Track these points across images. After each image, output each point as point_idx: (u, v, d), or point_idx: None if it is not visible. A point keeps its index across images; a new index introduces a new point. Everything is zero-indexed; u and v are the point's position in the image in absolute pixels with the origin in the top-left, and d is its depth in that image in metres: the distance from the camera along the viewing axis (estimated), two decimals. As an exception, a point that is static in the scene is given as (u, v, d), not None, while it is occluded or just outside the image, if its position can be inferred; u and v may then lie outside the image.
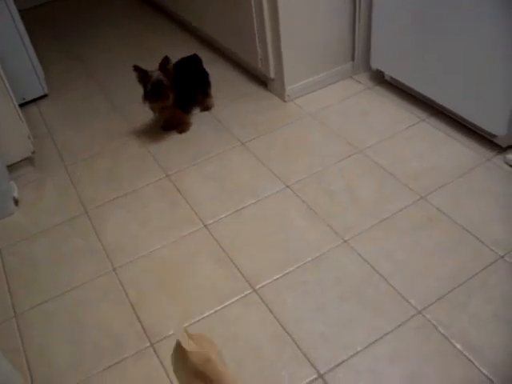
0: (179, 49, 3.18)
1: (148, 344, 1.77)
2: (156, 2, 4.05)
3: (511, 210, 2.07)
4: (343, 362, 1.64)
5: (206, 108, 2.86)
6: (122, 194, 2.39)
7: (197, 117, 2.81)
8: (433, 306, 1.77)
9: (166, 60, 2.54)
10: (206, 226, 2.16)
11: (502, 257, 1.90)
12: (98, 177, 2.52)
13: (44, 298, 1.99)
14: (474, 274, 1.85)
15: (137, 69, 2.50)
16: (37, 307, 1.96)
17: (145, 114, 2.87)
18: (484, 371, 1.58)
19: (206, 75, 2.85)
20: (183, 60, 2.78)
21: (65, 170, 2.60)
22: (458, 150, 2.36)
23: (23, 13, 3.04)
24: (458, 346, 1.64)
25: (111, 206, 2.34)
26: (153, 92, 2.51)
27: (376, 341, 1.69)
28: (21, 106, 2.73)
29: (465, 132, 2.43)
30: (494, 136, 2.31)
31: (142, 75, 2.51)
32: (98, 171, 2.56)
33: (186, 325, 1.80)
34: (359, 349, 1.67)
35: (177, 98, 2.57)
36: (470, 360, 1.61)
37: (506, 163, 2.26)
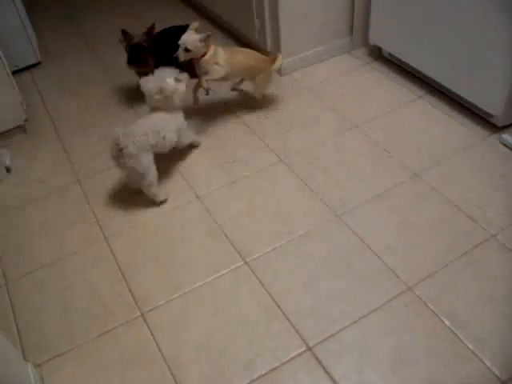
0: (175, 20, 3.13)
1: (138, 314, 1.78)
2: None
3: (504, 189, 2.07)
4: (332, 335, 1.65)
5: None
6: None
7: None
8: (423, 282, 1.78)
9: (152, 27, 2.56)
10: (198, 197, 2.15)
11: (494, 236, 1.90)
12: (90, 145, 2.50)
13: (36, 265, 1.99)
14: (464, 252, 1.86)
15: (123, 32, 2.52)
16: (28, 275, 1.96)
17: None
18: (470, 346, 1.60)
19: None
20: (173, 28, 2.72)
21: (57, 138, 2.58)
22: (453, 128, 2.36)
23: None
24: (447, 322, 1.66)
25: (103, 176, 2.32)
26: (132, 55, 2.54)
27: (365, 315, 1.70)
28: (14, 73, 2.69)
29: (461, 111, 2.42)
30: (491, 116, 2.30)
31: (125, 38, 2.53)
32: (91, 140, 2.54)
33: (177, 295, 1.81)
34: (348, 323, 1.68)
35: (157, 64, 2.53)
36: (456, 336, 1.62)
37: (501, 143, 2.26)
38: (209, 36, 2.26)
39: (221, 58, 2.34)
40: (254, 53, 2.47)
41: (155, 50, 2.57)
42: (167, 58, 2.52)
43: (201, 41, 2.24)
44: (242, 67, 2.42)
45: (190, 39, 2.23)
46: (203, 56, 2.30)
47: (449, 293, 1.74)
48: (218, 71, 2.34)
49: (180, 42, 2.24)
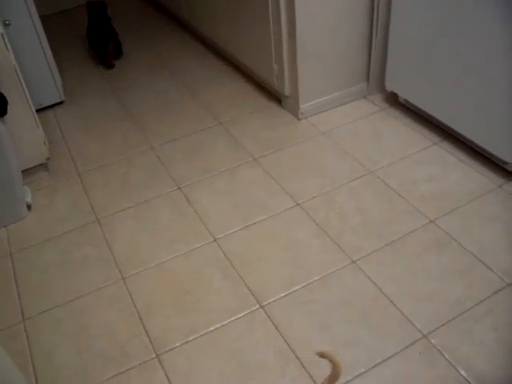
0: (195, 61, 3.24)
1: (154, 355, 1.79)
2: (177, 17, 4.10)
3: (521, 237, 2.08)
4: (346, 382, 1.65)
5: None
6: (134, 203, 2.41)
7: (210, 130, 2.85)
8: (438, 330, 1.77)
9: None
10: (215, 239, 2.18)
11: (510, 284, 1.90)
12: (110, 185, 2.55)
13: (52, 304, 2.01)
14: (480, 301, 1.85)
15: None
16: (45, 313, 1.98)
17: (159, 124, 2.91)
18: (487, 399, 1.59)
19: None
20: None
21: (78, 176, 2.63)
22: (469, 175, 2.37)
23: (44, 18, 3.08)
24: (462, 373, 1.65)
25: (122, 215, 2.36)
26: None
27: (380, 363, 1.69)
28: (37, 111, 2.76)
29: (477, 157, 2.44)
30: (506, 163, 2.31)
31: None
32: (110, 179, 2.59)
33: (192, 337, 1.82)
34: (362, 370, 1.68)
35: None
36: (473, 387, 1.61)
37: (517, 190, 2.27)
38: None
39: None
40: None
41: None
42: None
43: None
44: None
45: None
46: None
47: (465, 342, 1.73)
48: None
49: None
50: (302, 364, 1.71)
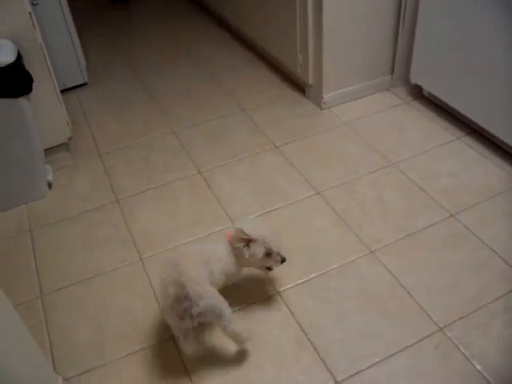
0: (219, 48, 3.23)
1: (169, 335, 1.80)
2: (202, 3, 4.10)
3: (540, 235, 2.05)
4: (360, 371, 1.65)
5: None
6: (154, 186, 2.42)
7: (233, 117, 2.85)
8: (455, 324, 1.76)
9: None
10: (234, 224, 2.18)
11: (529, 282, 1.89)
12: (131, 167, 2.56)
13: (70, 281, 2.03)
14: (498, 296, 1.84)
15: None
16: (62, 290, 2.00)
17: (181, 109, 2.92)
18: (502, 394, 1.58)
19: None
20: None
21: (99, 157, 2.65)
22: (490, 170, 2.35)
23: (71, 1, 3.10)
24: (478, 367, 1.64)
25: (142, 197, 2.38)
26: None
27: (394, 354, 1.69)
28: (61, 92, 2.77)
29: (499, 153, 2.42)
30: (530, 160, 2.30)
31: None
32: (131, 161, 2.60)
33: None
34: (377, 360, 1.67)
35: None
36: (488, 381, 1.60)
37: (540, 188, 2.25)
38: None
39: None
40: None
41: None
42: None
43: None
44: None
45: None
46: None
47: (482, 337, 1.72)
48: None
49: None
50: (317, 351, 1.71)
